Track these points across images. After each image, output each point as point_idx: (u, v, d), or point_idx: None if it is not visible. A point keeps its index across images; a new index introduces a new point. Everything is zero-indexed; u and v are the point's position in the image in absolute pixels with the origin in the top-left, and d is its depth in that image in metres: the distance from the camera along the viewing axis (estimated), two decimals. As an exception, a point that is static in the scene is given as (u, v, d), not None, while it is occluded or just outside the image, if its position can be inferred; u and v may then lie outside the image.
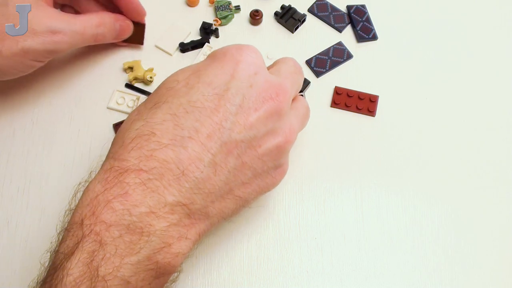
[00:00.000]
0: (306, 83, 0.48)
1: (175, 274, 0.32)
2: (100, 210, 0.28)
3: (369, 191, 0.45)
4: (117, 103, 0.47)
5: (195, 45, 0.50)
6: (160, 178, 0.30)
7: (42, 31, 0.39)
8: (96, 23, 0.44)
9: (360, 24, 0.52)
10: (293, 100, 0.37)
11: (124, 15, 0.47)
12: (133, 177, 0.29)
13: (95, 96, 0.48)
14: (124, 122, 0.33)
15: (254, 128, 0.32)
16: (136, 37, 0.49)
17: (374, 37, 0.51)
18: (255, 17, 0.51)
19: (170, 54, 0.50)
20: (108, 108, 0.47)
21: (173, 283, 0.34)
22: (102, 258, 0.28)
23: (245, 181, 0.33)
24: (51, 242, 0.32)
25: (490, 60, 0.51)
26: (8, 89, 0.48)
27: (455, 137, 0.47)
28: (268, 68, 0.37)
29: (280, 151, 0.34)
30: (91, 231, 0.28)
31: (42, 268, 0.31)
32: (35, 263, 0.41)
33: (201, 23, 0.51)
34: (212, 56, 0.34)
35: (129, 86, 0.48)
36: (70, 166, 0.45)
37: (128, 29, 0.48)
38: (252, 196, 0.34)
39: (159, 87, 0.34)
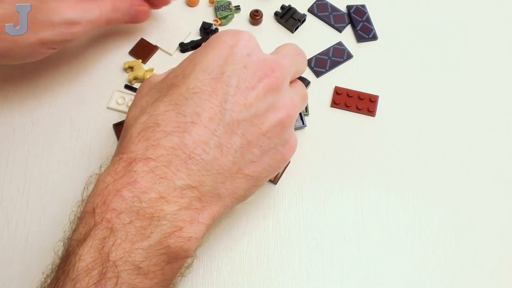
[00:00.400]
0: (307, 82, 0.48)
1: (189, 260, 0.33)
2: (110, 199, 0.29)
3: (369, 191, 0.45)
4: (117, 103, 0.47)
5: (195, 45, 0.50)
6: (168, 165, 0.30)
7: (60, 23, 0.40)
8: (110, 8, 0.44)
9: (360, 24, 0.52)
10: (291, 83, 0.37)
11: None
12: (141, 166, 0.30)
13: (95, 96, 0.48)
14: (127, 118, 0.34)
15: (253, 106, 0.32)
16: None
17: (374, 37, 0.51)
18: (255, 17, 0.51)
19: (170, 54, 0.50)
20: (108, 108, 0.47)
21: (188, 270, 0.34)
22: (113, 244, 0.28)
23: (253, 160, 0.33)
24: (64, 231, 0.33)
25: (490, 60, 0.51)
26: (8, 89, 0.48)
27: (455, 137, 0.47)
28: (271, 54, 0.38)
29: (283, 126, 0.34)
30: (102, 219, 0.29)
31: (56, 256, 0.32)
32: (35, 263, 0.41)
33: (201, 23, 0.51)
34: (207, 44, 0.35)
35: (128, 87, 0.48)
36: (70, 166, 0.45)
37: (145, 14, 0.47)
38: (263, 175, 0.35)
39: (160, 82, 0.35)
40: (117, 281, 0.28)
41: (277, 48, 0.38)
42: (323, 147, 0.46)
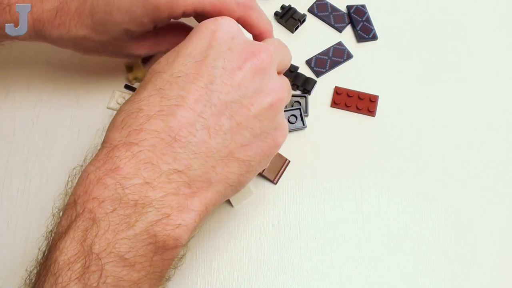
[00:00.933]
0: (313, 82, 0.48)
1: (181, 252, 0.31)
2: (92, 188, 0.28)
3: (369, 191, 0.45)
4: (117, 103, 0.47)
5: None
6: (152, 149, 0.29)
7: None
8: None
9: (360, 24, 0.52)
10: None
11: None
12: (123, 152, 0.29)
13: (95, 96, 0.48)
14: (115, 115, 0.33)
15: (242, 87, 0.32)
16: None
17: (374, 37, 0.51)
18: (255, 17, 0.51)
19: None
20: (108, 108, 0.47)
21: (180, 262, 0.33)
22: (96, 235, 0.27)
23: (244, 143, 0.32)
24: (46, 226, 0.32)
25: (490, 60, 0.51)
26: (8, 89, 0.48)
27: (455, 137, 0.47)
28: None
29: (274, 109, 0.33)
30: (84, 209, 0.28)
31: (39, 252, 0.31)
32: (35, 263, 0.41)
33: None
34: (190, 33, 0.34)
35: (128, 87, 0.48)
36: (71, 166, 0.45)
37: None
38: (256, 159, 0.33)
39: (145, 74, 0.34)
40: (101, 274, 0.27)
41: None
42: (323, 147, 0.46)
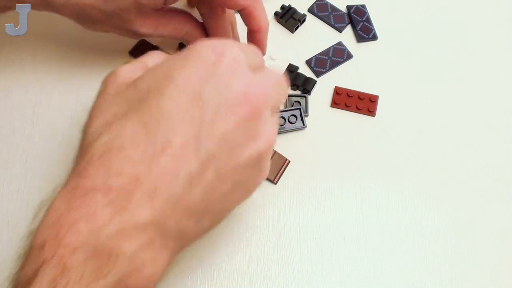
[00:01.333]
0: (313, 82, 0.48)
1: None
2: (64, 233, 0.26)
3: (369, 191, 0.45)
4: (117, 103, 0.47)
5: None
6: (130, 196, 0.27)
7: None
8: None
9: (360, 24, 0.52)
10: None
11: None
12: (100, 196, 0.26)
13: (95, 96, 0.48)
14: (88, 129, 0.31)
15: (231, 136, 0.29)
16: None
17: (374, 37, 0.51)
18: (255, 17, 0.51)
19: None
20: (108, 108, 0.47)
21: None
22: (66, 285, 0.25)
23: (224, 193, 0.30)
24: (8, 269, 0.29)
25: (490, 60, 0.51)
26: (8, 89, 0.48)
27: (455, 137, 0.47)
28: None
29: (261, 157, 0.31)
30: (53, 255, 0.25)
31: None
32: (35, 263, 0.41)
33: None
34: (187, 56, 0.31)
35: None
36: (71, 166, 0.45)
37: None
38: (231, 208, 0.33)
39: (129, 89, 0.31)
40: None
41: (265, 67, 0.35)
42: (323, 147, 0.46)
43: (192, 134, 0.28)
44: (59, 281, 0.25)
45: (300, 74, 0.48)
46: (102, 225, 0.26)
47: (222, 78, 0.29)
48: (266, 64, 0.51)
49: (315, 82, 0.48)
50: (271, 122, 0.32)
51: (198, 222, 0.30)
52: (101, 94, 0.33)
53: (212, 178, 0.29)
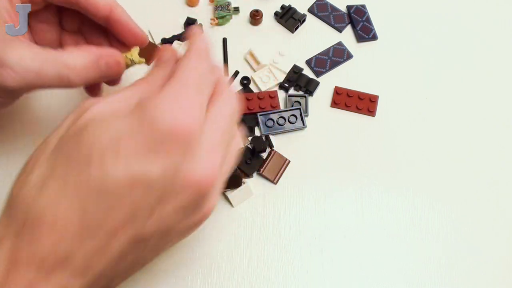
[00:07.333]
0: (316, 84, 0.48)
1: None
2: None
3: (369, 191, 0.45)
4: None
5: (177, 39, 0.50)
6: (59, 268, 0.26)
7: None
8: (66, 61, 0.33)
9: (360, 24, 0.52)
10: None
11: (123, 42, 0.38)
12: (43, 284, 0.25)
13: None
14: (18, 192, 0.30)
15: (170, 222, 0.28)
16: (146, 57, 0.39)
17: (374, 37, 0.51)
18: (255, 17, 0.51)
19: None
20: (108, 108, 0.47)
21: None
22: None
23: (155, 254, 0.31)
24: None
25: (490, 60, 0.51)
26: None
27: (455, 137, 0.47)
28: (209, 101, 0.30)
29: (201, 221, 0.30)
30: None
31: None
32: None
33: (201, 23, 0.51)
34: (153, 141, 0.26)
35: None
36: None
37: (115, 67, 0.36)
38: (171, 245, 0.32)
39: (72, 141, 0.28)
40: None
41: (212, 110, 0.29)
42: (323, 147, 0.46)
43: (127, 222, 0.26)
44: None
45: (304, 75, 0.48)
46: None
47: (166, 179, 0.27)
48: (274, 61, 0.49)
49: (318, 83, 0.48)
50: (216, 192, 0.30)
51: (124, 279, 0.30)
52: (37, 152, 0.31)
53: (141, 253, 0.29)
